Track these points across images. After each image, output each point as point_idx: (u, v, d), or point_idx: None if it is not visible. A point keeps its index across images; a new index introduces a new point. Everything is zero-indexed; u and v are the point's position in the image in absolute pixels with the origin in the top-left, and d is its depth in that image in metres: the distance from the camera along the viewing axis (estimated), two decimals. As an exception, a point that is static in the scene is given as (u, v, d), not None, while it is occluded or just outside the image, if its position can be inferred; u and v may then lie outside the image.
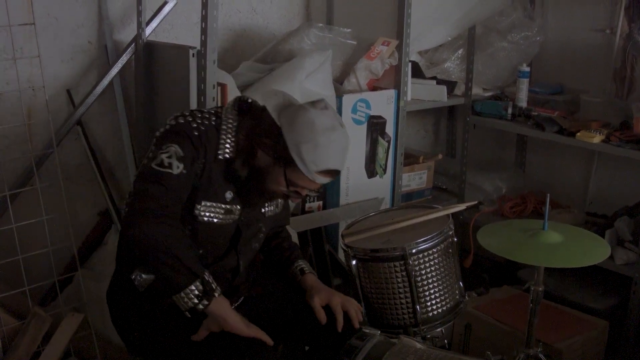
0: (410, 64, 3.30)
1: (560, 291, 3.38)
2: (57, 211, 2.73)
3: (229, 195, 2.09)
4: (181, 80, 2.64)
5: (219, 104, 2.64)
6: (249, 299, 2.25)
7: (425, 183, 3.68)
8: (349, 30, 3.21)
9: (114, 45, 3.02)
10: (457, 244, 2.41)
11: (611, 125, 3.41)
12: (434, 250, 2.29)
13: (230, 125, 2.08)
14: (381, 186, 3.29)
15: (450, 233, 2.37)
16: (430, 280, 2.29)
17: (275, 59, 3.09)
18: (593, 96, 3.62)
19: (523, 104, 3.70)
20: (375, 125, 3.17)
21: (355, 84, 3.18)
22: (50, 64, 2.87)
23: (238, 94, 2.75)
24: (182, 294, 1.89)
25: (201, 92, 2.58)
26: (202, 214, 2.06)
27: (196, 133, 2.02)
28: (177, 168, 1.96)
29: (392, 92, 3.21)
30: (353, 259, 2.33)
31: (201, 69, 2.57)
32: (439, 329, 2.35)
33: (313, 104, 2.04)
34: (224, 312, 1.95)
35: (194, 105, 2.61)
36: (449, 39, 3.70)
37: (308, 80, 2.90)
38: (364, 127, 3.14)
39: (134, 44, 2.94)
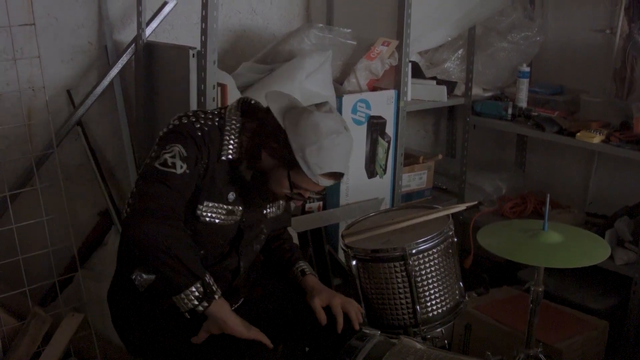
0: (410, 64, 3.29)
1: (560, 291, 3.38)
2: (57, 211, 2.73)
3: (231, 196, 2.09)
4: (181, 81, 2.64)
5: (219, 105, 2.64)
6: (249, 301, 2.24)
7: (425, 183, 3.69)
8: (349, 30, 3.21)
9: (114, 46, 3.02)
10: (457, 244, 2.41)
11: (611, 125, 3.41)
12: (434, 250, 2.29)
13: (233, 126, 2.08)
14: (381, 186, 3.29)
15: (450, 233, 2.37)
16: (430, 281, 2.29)
17: (275, 60, 3.09)
18: (593, 96, 3.62)
19: (523, 104, 3.70)
20: (375, 126, 3.17)
21: (355, 84, 3.18)
22: (51, 65, 2.87)
23: (238, 94, 2.76)
24: (182, 295, 1.89)
25: (201, 93, 2.58)
26: (204, 214, 2.06)
27: (199, 133, 2.02)
28: (181, 168, 1.96)
29: (392, 93, 3.21)
30: (353, 259, 2.33)
31: (201, 69, 2.57)
32: (439, 329, 2.36)
33: (317, 106, 2.04)
34: (224, 314, 1.95)
35: (194, 105, 2.61)
36: (449, 39, 3.70)
37: (308, 80, 2.90)
38: (364, 127, 3.14)
39: (134, 45, 2.94)
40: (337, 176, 2.06)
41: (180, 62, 2.64)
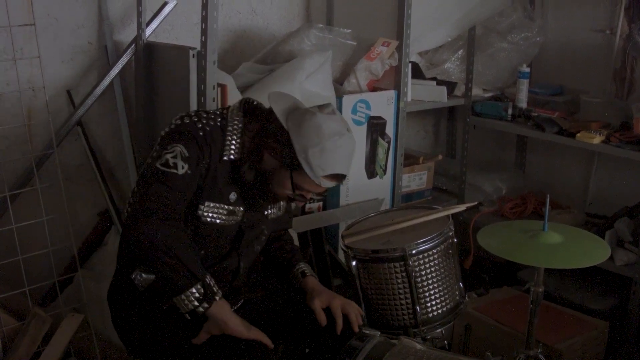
0: (410, 65, 3.29)
1: (560, 292, 3.38)
2: (57, 212, 2.73)
3: (232, 196, 2.09)
4: (181, 81, 2.64)
5: (219, 105, 2.64)
6: (249, 302, 2.24)
7: (425, 184, 3.69)
8: (349, 31, 3.21)
9: (114, 46, 3.02)
10: (457, 245, 2.41)
11: (611, 126, 3.41)
12: (434, 251, 2.29)
13: (235, 127, 2.08)
14: (381, 187, 3.29)
15: (450, 234, 2.37)
16: (430, 281, 2.29)
17: (275, 60, 3.09)
18: (593, 97, 3.62)
19: (523, 104, 3.70)
20: (375, 126, 3.17)
21: (355, 85, 3.18)
22: (51, 65, 2.87)
23: (238, 94, 2.76)
24: (183, 296, 1.89)
25: (201, 93, 2.58)
26: (206, 214, 2.06)
27: (201, 133, 2.02)
28: (182, 168, 1.96)
29: (392, 93, 3.21)
30: (353, 260, 2.33)
31: (201, 69, 2.57)
32: (439, 330, 2.36)
33: (320, 108, 2.05)
34: (225, 315, 1.95)
35: (194, 106, 2.61)
36: (449, 39, 3.70)
37: (308, 81, 2.90)
38: (364, 127, 3.14)
39: (134, 45, 2.94)
40: (340, 178, 2.06)
41: (180, 62, 2.64)
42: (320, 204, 3.13)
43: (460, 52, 3.78)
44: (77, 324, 2.69)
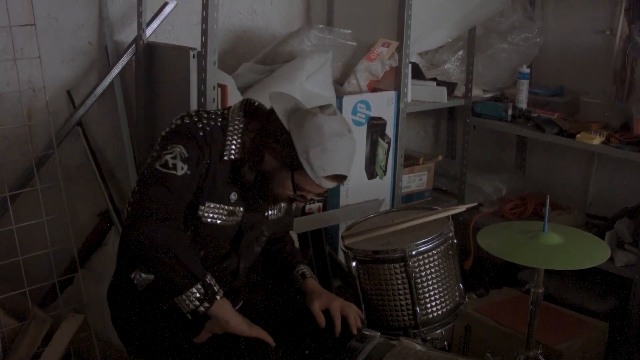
0: (410, 65, 3.30)
1: (560, 293, 3.38)
2: (57, 212, 2.73)
3: (233, 196, 2.09)
4: (181, 82, 2.64)
5: (220, 105, 2.64)
6: (249, 303, 2.24)
7: (425, 184, 3.69)
8: (349, 31, 3.21)
9: (114, 46, 3.02)
10: (457, 246, 2.41)
11: (611, 126, 3.41)
12: (434, 252, 2.29)
13: (236, 127, 2.08)
14: (381, 187, 3.29)
15: (450, 235, 2.37)
16: (430, 282, 2.29)
17: (276, 60, 3.09)
18: (593, 98, 3.62)
19: (523, 105, 3.70)
20: (376, 127, 3.17)
21: (356, 85, 3.18)
22: (51, 65, 2.87)
23: (238, 95, 2.76)
24: (184, 297, 1.89)
25: (201, 93, 2.58)
26: (206, 215, 2.06)
27: (201, 133, 2.02)
28: (181, 169, 1.96)
29: (392, 94, 3.21)
30: (353, 261, 2.33)
31: (201, 70, 2.57)
32: (438, 331, 2.36)
33: (321, 108, 2.05)
34: (226, 314, 1.96)
35: (194, 106, 2.61)
36: (449, 40, 3.70)
37: (308, 81, 2.90)
38: (364, 128, 3.14)
39: (134, 45, 2.94)
40: (340, 178, 2.07)
41: (181, 62, 2.64)
42: (321, 204, 3.13)
43: (460, 53, 3.78)
44: (77, 324, 2.69)
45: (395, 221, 2.45)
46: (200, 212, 2.05)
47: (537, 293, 2.44)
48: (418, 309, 2.29)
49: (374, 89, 3.23)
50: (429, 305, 2.31)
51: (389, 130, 3.24)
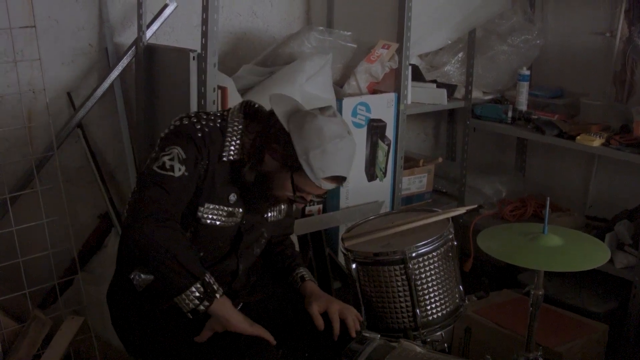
0: (410, 67, 3.30)
1: (560, 295, 3.38)
2: (57, 214, 2.72)
3: (232, 197, 2.10)
4: (181, 83, 2.64)
5: (220, 107, 2.64)
6: (248, 304, 2.24)
7: (425, 186, 3.68)
8: (349, 33, 3.21)
9: (114, 48, 3.02)
10: (457, 248, 2.41)
11: (611, 128, 3.41)
12: (434, 254, 2.29)
13: (235, 128, 2.09)
14: (381, 189, 3.29)
15: (450, 237, 2.37)
16: (430, 284, 2.29)
17: (276, 62, 3.09)
18: (593, 99, 3.62)
19: (523, 107, 3.70)
20: (376, 129, 3.18)
21: (356, 87, 3.18)
22: (51, 67, 2.87)
23: (238, 97, 2.76)
24: (183, 296, 1.90)
25: (201, 95, 2.58)
26: (205, 216, 2.06)
27: (200, 134, 2.02)
28: (179, 171, 1.97)
29: (392, 96, 3.21)
30: (353, 263, 2.33)
31: (201, 72, 2.57)
32: (438, 333, 2.35)
33: (322, 110, 2.05)
34: (227, 312, 1.97)
35: (194, 108, 2.61)
36: (449, 42, 3.70)
37: (308, 83, 2.90)
38: (364, 130, 3.14)
39: (134, 47, 2.94)
40: (340, 180, 2.07)
41: (181, 64, 2.64)
42: (321, 206, 3.13)
43: (460, 55, 3.78)
44: (77, 326, 2.69)
45: (395, 223, 2.45)
46: (200, 213, 2.05)
47: (537, 295, 2.44)
48: (418, 311, 2.29)
49: (374, 90, 3.23)
50: (429, 307, 2.31)
51: (389, 132, 3.24)
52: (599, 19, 3.69)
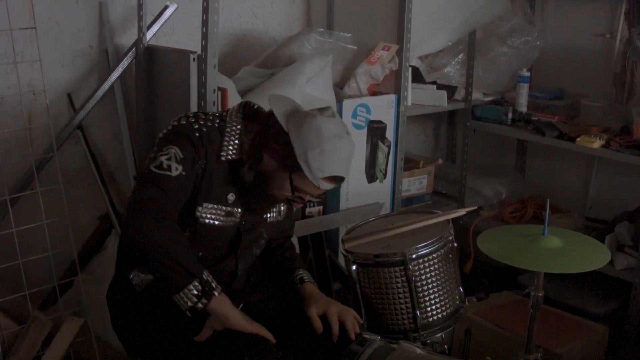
0: (410, 69, 3.30)
1: (560, 296, 3.38)
2: (57, 215, 2.73)
3: (231, 197, 2.10)
4: (182, 85, 2.64)
5: (220, 109, 2.65)
6: (248, 304, 2.25)
7: (425, 188, 3.68)
8: (349, 35, 3.21)
9: (114, 50, 3.02)
10: (457, 249, 2.41)
11: (611, 130, 3.41)
12: (434, 255, 2.29)
13: (234, 128, 2.09)
14: (381, 191, 3.29)
15: (450, 238, 2.37)
16: (430, 286, 2.29)
17: (276, 64, 3.09)
18: (593, 101, 3.62)
19: (523, 108, 3.70)
20: (376, 130, 3.18)
21: (356, 89, 3.18)
22: (51, 68, 2.87)
23: (238, 98, 2.76)
24: (182, 294, 1.90)
25: (202, 97, 2.58)
26: (204, 215, 2.07)
27: (197, 134, 2.03)
28: (176, 170, 1.97)
29: (392, 97, 3.21)
30: (353, 264, 2.33)
31: (202, 73, 2.57)
32: (438, 334, 2.35)
33: (320, 110, 2.06)
34: (225, 309, 1.97)
35: (194, 109, 2.61)
36: (450, 43, 3.70)
37: (308, 85, 2.90)
38: (364, 131, 3.14)
39: (134, 48, 2.94)
40: (338, 180, 2.07)
41: (181, 66, 2.64)
42: (321, 208, 3.13)
43: (460, 56, 3.78)
44: (77, 327, 2.70)
45: (395, 225, 2.45)
46: (198, 213, 2.06)
47: (537, 296, 2.44)
48: (418, 312, 2.29)
49: (374, 92, 3.24)
50: (429, 309, 2.31)
51: (389, 134, 3.24)
52: (599, 21, 3.69)
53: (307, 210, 3.09)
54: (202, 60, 2.56)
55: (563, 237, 2.43)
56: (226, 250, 2.17)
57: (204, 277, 1.92)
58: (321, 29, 3.21)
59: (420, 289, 2.28)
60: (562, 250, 2.36)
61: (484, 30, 3.80)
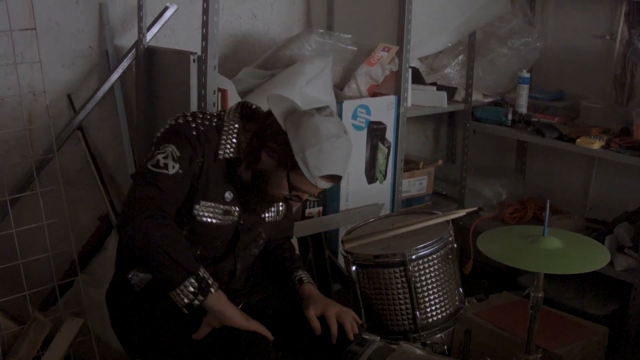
0: (410, 70, 3.30)
1: (560, 297, 3.38)
2: (57, 216, 2.73)
3: (228, 195, 2.11)
4: (182, 86, 2.64)
5: (220, 110, 2.65)
6: (248, 305, 2.25)
7: (425, 189, 3.68)
8: (349, 36, 3.21)
9: (114, 51, 3.02)
10: (457, 250, 2.41)
11: (611, 131, 3.41)
12: (434, 256, 2.29)
13: (232, 127, 2.10)
14: (381, 192, 3.29)
15: (450, 239, 2.37)
16: (430, 287, 2.29)
17: (276, 65, 3.09)
18: (593, 102, 3.63)
19: (523, 110, 3.70)
20: (376, 131, 3.18)
21: (356, 90, 3.18)
22: (51, 69, 2.87)
23: (238, 99, 2.76)
24: (178, 291, 1.91)
25: (202, 98, 2.58)
26: (201, 214, 2.07)
27: (194, 133, 2.04)
28: (173, 168, 1.98)
29: (392, 98, 3.21)
30: (353, 265, 2.33)
31: (202, 74, 2.57)
32: (438, 335, 2.36)
33: (318, 110, 2.07)
34: (222, 306, 1.97)
35: (194, 111, 2.61)
36: (449, 45, 3.70)
37: (308, 86, 2.90)
38: (364, 132, 3.14)
39: (134, 49, 2.94)
40: (335, 179, 2.08)
41: (181, 67, 2.64)
42: (321, 208, 3.13)
43: (460, 58, 3.78)
44: (76, 328, 2.69)
45: (395, 225, 2.45)
46: (195, 211, 2.07)
47: (537, 297, 2.44)
48: (418, 313, 2.29)
49: (374, 93, 3.24)
50: (428, 310, 2.31)
51: (389, 135, 3.24)
52: (599, 22, 3.69)
53: (307, 211, 3.09)
54: (202, 61, 2.56)
55: (563, 238, 2.43)
56: (225, 249, 2.18)
57: (200, 274, 1.93)
58: (321, 30, 3.21)
59: (420, 290, 2.28)
60: (562, 251, 2.36)
61: (484, 31, 3.80)
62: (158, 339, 2.10)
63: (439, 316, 2.33)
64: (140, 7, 2.90)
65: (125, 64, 2.94)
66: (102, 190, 3.01)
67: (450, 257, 2.36)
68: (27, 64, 2.74)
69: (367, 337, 2.12)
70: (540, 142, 3.58)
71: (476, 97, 3.84)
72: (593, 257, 2.38)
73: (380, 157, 3.24)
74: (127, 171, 3.08)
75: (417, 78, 3.61)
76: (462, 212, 2.59)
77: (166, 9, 3.01)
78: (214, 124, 2.09)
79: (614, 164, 3.51)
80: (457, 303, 2.40)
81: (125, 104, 3.07)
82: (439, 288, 2.32)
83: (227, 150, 2.08)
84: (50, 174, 2.82)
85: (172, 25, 3.12)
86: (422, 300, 2.29)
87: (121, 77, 2.97)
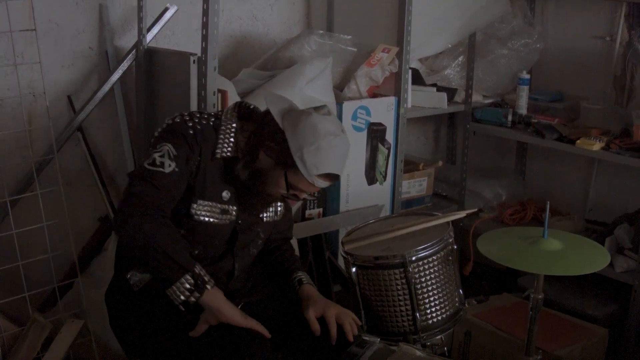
0: (410, 71, 3.30)
1: (560, 299, 3.38)
2: (57, 217, 2.73)
3: (225, 194, 2.11)
4: (182, 87, 2.64)
5: (218, 109, 2.65)
6: (248, 305, 2.25)
7: (425, 190, 3.68)
8: (349, 37, 3.21)
9: (114, 51, 3.03)
10: (456, 252, 2.41)
11: (611, 132, 3.41)
12: (434, 257, 2.29)
13: (229, 126, 2.10)
14: (381, 193, 3.29)
15: (450, 240, 2.37)
16: (430, 288, 2.29)
17: (276, 66, 3.09)
18: (593, 103, 3.62)
19: (523, 111, 3.70)
20: (376, 132, 3.18)
21: (356, 91, 3.18)
22: (51, 70, 2.87)
23: (238, 100, 2.76)
24: (174, 288, 1.91)
25: (202, 99, 2.59)
26: (198, 213, 2.08)
27: (191, 132, 2.05)
28: (169, 167, 1.99)
29: (392, 99, 3.21)
30: (353, 266, 2.33)
31: (202, 75, 2.57)
32: (438, 337, 2.35)
33: (316, 109, 2.08)
34: (218, 303, 1.97)
35: (194, 111, 2.62)
36: (449, 46, 3.70)
37: (308, 87, 2.90)
38: (364, 134, 3.14)
39: (134, 50, 2.94)
40: (333, 178, 2.08)
41: (181, 68, 2.64)
42: (320, 210, 3.13)
43: (460, 59, 3.78)
44: (76, 329, 2.69)
45: (395, 227, 2.45)
46: (193, 210, 2.07)
47: (536, 299, 2.44)
48: (418, 314, 2.29)
49: (374, 94, 3.24)
50: (428, 311, 2.31)
51: (389, 136, 3.24)
52: (599, 23, 3.69)
53: (307, 212, 3.09)
54: (202, 62, 2.56)
55: (563, 240, 2.43)
56: (223, 249, 2.18)
57: (196, 271, 1.93)
58: (321, 31, 3.21)
59: (420, 291, 2.28)
60: (562, 253, 2.37)
61: (484, 32, 3.80)
62: (157, 340, 2.10)
63: (439, 317, 2.33)
64: (140, 8, 2.90)
65: (125, 64, 2.94)
66: (102, 191, 3.01)
67: (450, 258, 2.36)
68: (27, 64, 2.74)
69: (366, 338, 2.12)
70: (540, 143, 3.58)
71: (476, 98, 3.84)
72: (593, 258, 2.38)
73: (380, 159, 3.24)
74: (127, 172, 3.07)
75: (417, 79, 3.62)
76: (462, 214, 2.59)
77: (166, 10, 3.01)
78: (212, 123, 2.10)
79: (614, 165, 3.51)
80: (457, 304, 2.40)
81: (125, 105, 3.07)
82: (439, 289, 2.32)
83: (225, 149, 2.08)
84: (50, 175, 2.82)
85: (172, 26, 3.12)
86: (422, 302, 2.29)
87: (121, 78, 2.97)
